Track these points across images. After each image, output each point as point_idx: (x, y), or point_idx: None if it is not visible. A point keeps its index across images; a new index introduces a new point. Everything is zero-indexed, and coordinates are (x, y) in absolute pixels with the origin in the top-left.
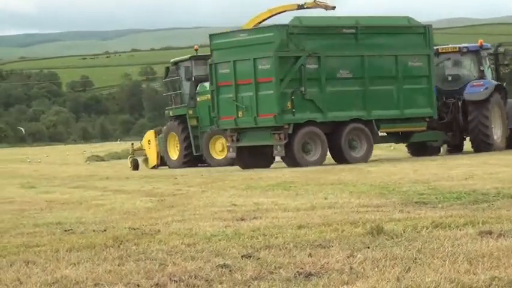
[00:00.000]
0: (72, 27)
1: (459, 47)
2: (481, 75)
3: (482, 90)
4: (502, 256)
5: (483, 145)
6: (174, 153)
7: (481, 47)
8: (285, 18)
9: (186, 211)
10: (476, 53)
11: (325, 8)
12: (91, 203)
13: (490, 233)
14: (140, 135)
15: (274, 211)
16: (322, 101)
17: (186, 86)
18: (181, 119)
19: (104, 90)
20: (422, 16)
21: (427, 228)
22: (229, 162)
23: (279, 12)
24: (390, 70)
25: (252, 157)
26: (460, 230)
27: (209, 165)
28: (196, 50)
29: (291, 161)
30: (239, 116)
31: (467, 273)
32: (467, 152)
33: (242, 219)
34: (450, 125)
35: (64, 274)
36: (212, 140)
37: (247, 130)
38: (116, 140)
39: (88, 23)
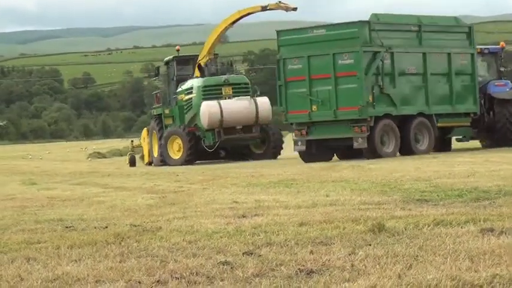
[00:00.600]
0: (74, 24)
1: (481, 48)
2: (500, 76)
3: (508, 89)
4: (503, 254)
5: (510, 142)
6: (155, 151)
7: (503, 49)
8: (252, 19)
9: (187, 208)
10: (496, 54)
11: (285, 10)
12: (92, 200)
13: (492, 230)
14: (141, 132)
15: (276, 208)
16: (395, 95)
17: (171, 86)
18: (160, 118)
19: (106, 87)
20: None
21: (428, 226)
22: (183, 162)
23: (247, 14)
24: (445, 67)
25: (318, 151)
26: (461, 227)
27: (168, 165)
28: (178, 50)
29: (372, 152)
30: (313, 109)
31: (468, 270)
32: (476, 149)
33: (243, 217)
34: (477, 122)
35: (65, 271)
36: (170, 141)
37: (319, 124)
38: (119, 138)
39: (90, 19)
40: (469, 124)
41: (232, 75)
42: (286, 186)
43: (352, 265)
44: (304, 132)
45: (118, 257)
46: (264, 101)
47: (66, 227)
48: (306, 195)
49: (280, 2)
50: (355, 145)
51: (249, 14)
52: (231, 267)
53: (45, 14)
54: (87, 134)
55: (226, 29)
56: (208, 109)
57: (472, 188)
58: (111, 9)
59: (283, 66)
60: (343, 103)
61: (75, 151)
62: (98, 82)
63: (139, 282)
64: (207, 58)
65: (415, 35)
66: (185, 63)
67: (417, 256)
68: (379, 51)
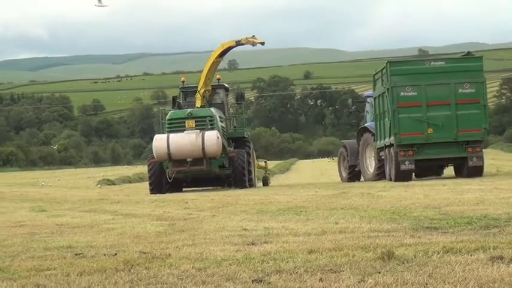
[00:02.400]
0: (84, 51)
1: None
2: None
3: None
4: None
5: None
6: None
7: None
8: (261, 46)
9: (197, 235)
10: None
11: (252, 44)
12: (102, 227)
13: (501, 258)
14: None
15: (285, 236)
16: None
17: None
18: None
19: (115, 113)
20: (431, 41)
21: (438, 253)
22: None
23: (227, 48)
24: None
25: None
26: (471, 255)
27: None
28: (183, 81)
29: (481, 170)
30: (428, 132)
31: None
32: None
33: (253, 244)
34: None
35: None
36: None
37: (429, 145)
38: (128, 164)
39: (99, 46)
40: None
41: (197, 109)
42: (295, 214)
43: None
44: (413, 152)
45: (127, 284)
46: (211, 135)
47: (76, 254)
48: (315, 222)
49: (253, 36)
50: (470, 163)
51: (229, 47)
52: None
53: (57, 41)
54: (97, 161)
55: (215, 62)
56: (156, 142)
57: (481, 216)
58: (121, 36)
59: (396, 94)
60: (463, 126)
61: (85, 178)
62: (108, 109)
63: None
64: (204, 89)
65: None
66: (191, 94)
67: (427, 284)
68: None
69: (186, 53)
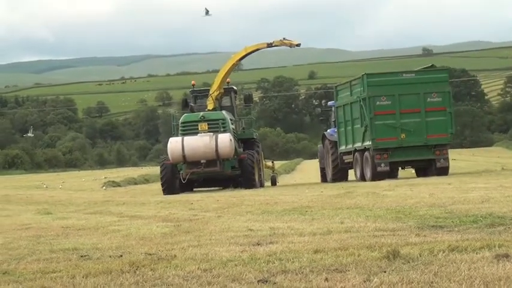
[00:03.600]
0: (89, 53)
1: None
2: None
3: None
4: None
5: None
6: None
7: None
8: (257, 55)
9: (202, 236)
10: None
11: (289, 46)
12: (107, 229)
13: (507, 256)
14: (156, 160)
15: (291, 236)
16: None
17: None
18: None
19: (120, 115)
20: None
21: (443, 252)
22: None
23: (253, 51)
24: None
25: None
26: (476, 253)
27: None
28: (193, 85)
29: (447, 170)
30: (402, 137)
31: None
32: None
33: (258, 244)
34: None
35: None
36: None
37: (402, 148)
38: (133, 166)
39: (104, 49)
40: None
41: (209, 112)
42: (300, 214)
43: None
44: (387, 155)
45: (133, 285)
46: (224, 138)
47: (81, 256)
48: (320, 222)
49: (284, 39)
50: (438, 164)
51: (255, 50)
52: None
53: (61, 43)
54: (102, 163)
55: (234, 65)
56: (172, 145)
57: (486, 214)
58: (126, 38)
59: (372, 103)
60: (432, 132)
61: (90, 180)
62: (112, 111)
63: None
64: (218, 92)
65: None
66: (202, 96)
67: (432, 282)
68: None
69: (190, 54)
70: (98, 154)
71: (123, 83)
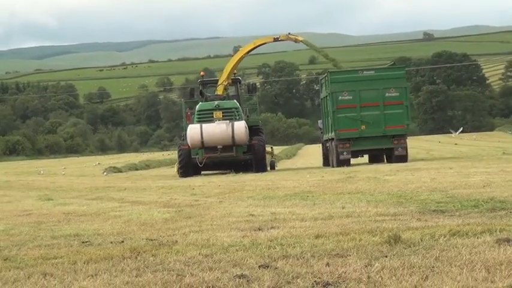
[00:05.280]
0: (90, 39)
1: None
2: None
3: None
4: None
5: None
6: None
7: None
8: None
9: (204, 222)
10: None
11: (295, 41)
12: (108, 215)
13: (508, 240)
14: (157, 146)
15: (292, 221)
16: None
17: None
18: None
19: (121, 101)
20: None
21: (444, 237)
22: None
23: (261, 44)
24: None
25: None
26: (477, 238)
27: None
28: (202, 75)
29: (406, 158)
30: (362, 128)
31: (485, 281)
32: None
33: (259, 229)
34: None
35: (82, 286)
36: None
37: (362, 138)
38: (134, 152)
39: (105, 34)
40: None
41: (223, 101)
42: (302, 199)
43: (369, 277)
44: (349, 144)
45: (134, 271)
46: (240, 125)
47: (83, 242)
48: (322, 207)
49: (290, 34)
50: (396, 153)
51: (263, 44)
52: (247, 281)
53: (63, 29)
54: (103, 149)
55: (242, 58)
56: (191, 131)
57: (488, 198)
58: (126, 23)
59: (335, 98)
60: (390, 123)
61: (91, 166)
62: (113, 97)
63: None
64: (226, 82)
65: None
66: (210, 86)
67: (433, 267)
68: (406, 87)
69: (191, 39)
70: (99, 140)
71: (124, 68)
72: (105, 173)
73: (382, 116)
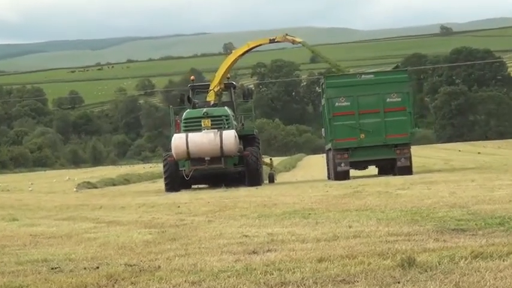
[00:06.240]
0: (60, 36)
1: None
2: None
3: None
4: None
5: None
6: None
7: None
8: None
9: (190, 244)
10: None
11: (292, 42)
12: (82, 237)
13: None
14: (137, 158)
15: (291, 242)
16: None
17: None
18: None
19: (96, 107)
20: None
21: (465, 259)
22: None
23: (255, 46)
24: None
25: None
26: (503, 260)
27: None
28: (192, 80)
29: (410, 169)
30: (361, 137)
31: None
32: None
33: (254, 253)
34: None
35: None
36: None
37: (361, 148)
38: (112, 165)
39: (77, 31)
40: None
41: (212, 108)
42: (303, 217)
43: None
44: (348, 155)
45: None
46: (229, 134)
47: (52, 269)
48: (325, 226)
49: (287, 34)
50: (399, 164)
51: (257, 46)
52: None
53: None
54: (76, 162)
55: (235, 60)
56: (176, 141)
57: None
58: (101, 19)
59: (331, 104)
60: (391, 131)
61: (62, 181)
62: (87, 102)
63: None
64: (218, 88)
65: None
66: (201, 92)
67: None
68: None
69: (175, 36)
70: (71, 151)
71: (99, 69)
72: (76, 190)
73: (382, 123)
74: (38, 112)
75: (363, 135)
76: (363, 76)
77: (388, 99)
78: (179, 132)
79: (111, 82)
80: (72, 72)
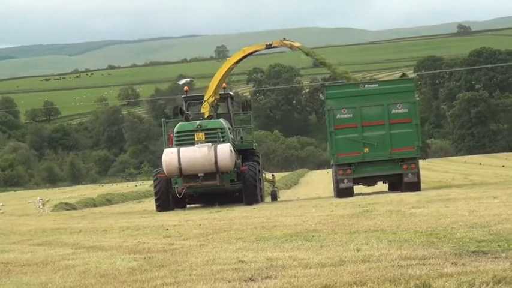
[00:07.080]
0: (32, 41)
1: None
2: None
3: None
4: None
5: None
6: None
7: None
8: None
9: (180, 271)
10: None
11: (290, 47)
12: (59, 264)
13: None
14: (120, 175)
15: (292, 268)
16: None
17: None
18: None
19: (74, 119)
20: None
21: (487, 285)
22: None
23: (251, 53)
24: None
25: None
26: None
27: None
28: (186, 90)
29: (418, 185)
30: (365, 151)
31: None
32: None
33: (251, 280)
34: None
35: None
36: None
37: (365, 163)
38: (92, 183)
39: (52, 34)
40: None
41: (206, 121)
42: (305, 240)
43: None
44: (350, 171)
45: None
46: (224, 148)
47: None
48: (330, 250)
49: (284, 39)
50: (406, 179)
51: (253, 52)
52: None
53: None
54: (52, 180)
55: (231, 69)
56: (166, 156)
57: None
58: (78, 21)
59: (332, 116)
60: (397, 145)
61: (36, 202)
62: (64, 113)
63: None
64: (213, 98)
65: None
66: (195, 103)
67: None
68: (416, 102)
69: (160, 38)
70: (47, 168)
71: (77, 77)
72: (54, 211)
73: (388, 136)
74: (8, 125)
75: (367, 149)
76: (366, 86)
77: (393, 111)
78: (172, 146)
79: (90, 91)
80: (47, 80)
